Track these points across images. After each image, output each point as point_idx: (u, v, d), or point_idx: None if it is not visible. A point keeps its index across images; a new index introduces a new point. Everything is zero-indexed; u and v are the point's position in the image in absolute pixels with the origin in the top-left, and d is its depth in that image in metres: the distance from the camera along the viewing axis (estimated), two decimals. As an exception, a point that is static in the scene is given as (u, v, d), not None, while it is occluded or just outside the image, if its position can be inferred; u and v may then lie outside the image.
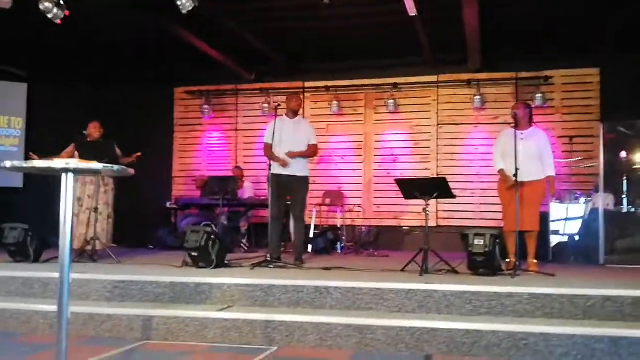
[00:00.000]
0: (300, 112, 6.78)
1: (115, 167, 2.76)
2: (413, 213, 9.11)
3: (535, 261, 5.82)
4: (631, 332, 3.85)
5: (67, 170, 2.75)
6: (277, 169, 6.15)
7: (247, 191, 8.97)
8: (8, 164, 2.66)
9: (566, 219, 7.78)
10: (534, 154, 5.83)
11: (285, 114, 6.43)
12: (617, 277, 5.43)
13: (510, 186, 5.69)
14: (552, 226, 7.77)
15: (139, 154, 6.64)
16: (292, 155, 6.18)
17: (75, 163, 2.69)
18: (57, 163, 2.64)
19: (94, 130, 6.70)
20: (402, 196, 6.11)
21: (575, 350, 3.86)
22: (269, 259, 5.92)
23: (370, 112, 9.70)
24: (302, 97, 6.67)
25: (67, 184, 2.88)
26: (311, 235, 8.72)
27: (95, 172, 3.04)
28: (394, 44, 8.73)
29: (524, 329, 3.97)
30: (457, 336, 4.02)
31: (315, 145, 6.47)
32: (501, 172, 5.93)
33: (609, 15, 7.53)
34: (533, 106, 8.75)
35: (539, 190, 5.86)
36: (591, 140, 8.59)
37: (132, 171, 2.89)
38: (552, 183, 5.96)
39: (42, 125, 9.28)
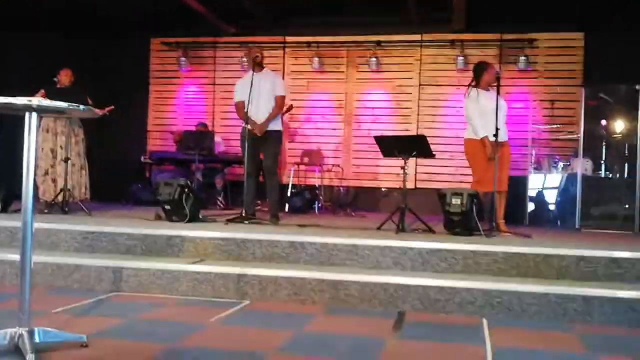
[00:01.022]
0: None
1: (81, 106, 2.62)
2: (392, 174, 9.07)
3: (503, 221, 5.79)
4: (604, 292, 3.86)
5: (29, 109, 2.61)
6: (249, 125, 5.95)
7: (219, 146, 8.82)
8: (-36, 99, 2.51)
9: (544, 184, 7.80)
10: (505, 114, 5.82)
11: (252, 69, 6.21)
12: (592, 240, 5.45)
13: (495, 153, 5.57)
14: (530, 191, 7.79)
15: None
16: (264, 126, 5.96)
17: (39, 100, 2.54)
18: (18, 100, 2.49)
19: (65, 78, 6.49)
20: (381, 157, 6.03)
21: (549, 308, 3.86)
22: (243, 215, 5.82)
23: (352, 70, 9.53)
24: (262, 50, 6.39)
25: (31, 124, 2.74)
26: (288, 194, 8.66)
27: (60, 112, 2.89)
28: (378, 0, 8.54)
29: (498, 287, 3.96)
30: (430, 293, 4.00)
31: (282, 97, 6.19)
32: (485, 139, 5.60)
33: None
34: (516, 69, 8.79)
35: (509, 149, 5.90)
36: (572, 105, 8.56)
37: (99, 111, 2.76)
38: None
39: (12, 73, 8.95)
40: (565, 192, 7.55)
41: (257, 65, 6.09)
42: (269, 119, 6.01)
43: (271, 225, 5.74)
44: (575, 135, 7.99)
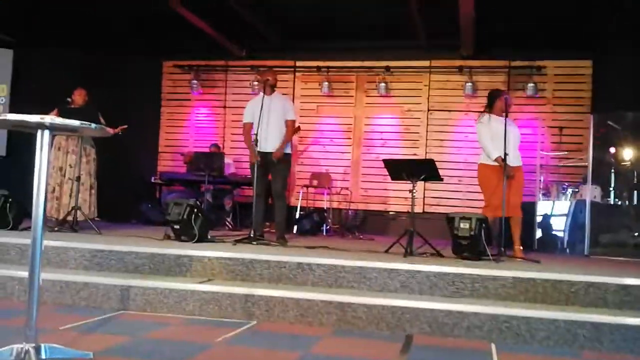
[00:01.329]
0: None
1: (93, 125, 2.66)
2: (400, 198, 9.09)
3: (521, 248, 5.81)
4: (613, 319, 3.82)
5: (42, 126, 2.65)
6: (260, 147, 6.00)
7: (230, 167, 8.88)
8: (-21, 116, 2.56)
9: (552, 210, 7.77)
10: (517, 140, 5.87)
11: (262, 91, 6.25)
12: (601, 267, 5.41)
13: (508, 174, 5.60)
14: (538, 217, 7.76)
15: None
16: (279, 154, 6.07)
17: (51, 118, 2.58)
18: (31, 117, 2.54)
19: (78, 97, 6.59)
20: (390, 180, 6.06)
21: (557, 334, 3.83)
22: (252, 235, 5.84)
23: (361, 94, 9.61)
24: (276, 73, 6.49)
25: (43, 142, 2.78)
26: (297, 217, 8.67)
27: (72, 130, 2.93)
28: (387, 26, 8.64)
29: (507, 312, 3.93)
30: (439, 317, 3.98)
31: (293, 122, 6.28)
32: (499, 159, 5.64)
33: (604, 6, 7.47)
34: (524, 95, 8.83)
35: (522, 175, 5.89)
36: (581, 132, 8.57)
37: (111, 130, 2.80)
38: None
39: (28, 93, 9.09)
40: (574, 218, 7.51)
41: (269, 87, 6.16)
42: (284, 145, 6.10)
43: (279, 246, 5.73)
44: (583, 163, 7.97)
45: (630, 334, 3.77)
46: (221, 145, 9.64)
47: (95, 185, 6.68)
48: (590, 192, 7.33)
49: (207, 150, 9.14)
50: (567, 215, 7.65)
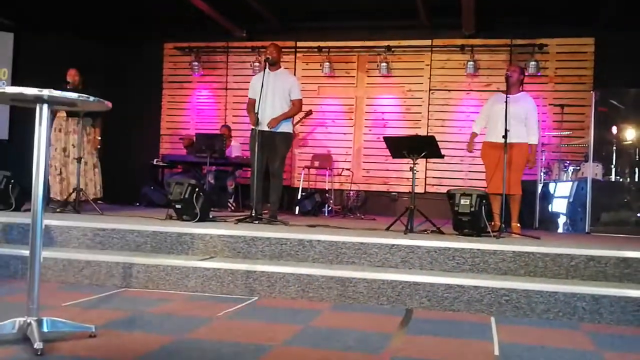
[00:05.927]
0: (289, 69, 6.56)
1: (91, 97, 2.67)
2: (402, 179, 9.09)
3: (518, 225, 5.83)
4: (613, 291, 3.85)
5: (40, 100, 2.66)
6: (259, 126, 5.96)
7: (235, 150, 8.87)
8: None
9: (554, 189, 7.76)
10: (521, 117, 5.87)
11: (266, 67, 6.16)
12: (601, 242, 5.42)
13: (491, 148, 5.88)
14: (539, 194, 7.76)
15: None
16: (275, 122, 5.98)
17: (49, 91, 2.59)
18: (29, 90, 2.54)
19: (73, 78, 6.58)
20: (391, 161, 6.07)
21: (557, 307, 3.85)
22: (253, 215, 5.83)
23: (363, 75, 9.57)
24: (280, 47, 6.38)
25: (42, 116, 2.79)
26: (298, 197, 8.68)
27: (70, 104, 2.94)
28: (388, 5, 8.59)
29: (507, 285, 3.95)
30: (438, 291, 4.00)
31: (300, 100, 6.21)
32: (472, 135, 6.26)
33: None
34: (526, 74, 8.74)
35: (523, 153, 5.89)
36: (583, 110, 8.54)
37: (109, 104, 2.79)
38: (534, 151, 5.99)
39: (29, 77, 9.05)
40: (575, 196, 7.50)
41: (271, 63, 6.09)
42: (282, 117, 6.00)
43: (281, 224, 5.73)
44: (585, 142, 7.95)
45: (630, 307, 3.79)
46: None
47: (99, 165, 6.69)
48: (592, 170, 7.31)
49: (210, 131, 9.13)
50: (568, 193, 7.63)
